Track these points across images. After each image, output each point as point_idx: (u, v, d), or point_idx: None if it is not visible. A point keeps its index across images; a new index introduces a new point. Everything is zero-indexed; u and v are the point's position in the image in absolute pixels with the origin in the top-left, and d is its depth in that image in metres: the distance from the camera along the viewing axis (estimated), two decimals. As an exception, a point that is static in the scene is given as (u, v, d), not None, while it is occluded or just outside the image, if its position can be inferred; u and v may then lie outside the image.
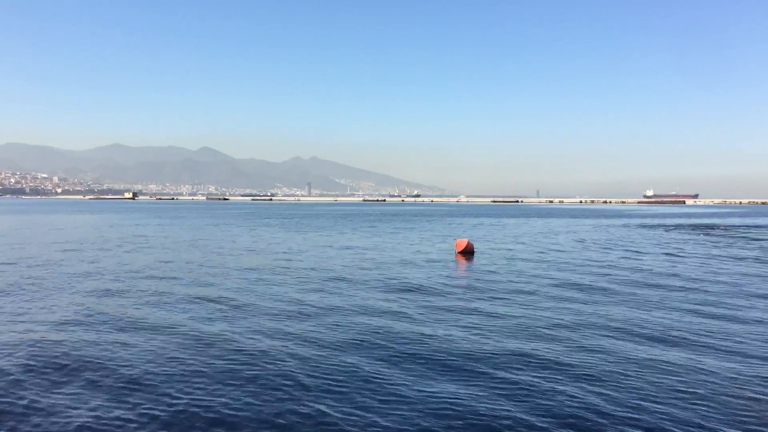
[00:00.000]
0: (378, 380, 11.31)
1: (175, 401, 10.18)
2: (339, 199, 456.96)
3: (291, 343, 13.94)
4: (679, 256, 35.39)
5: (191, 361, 12.42)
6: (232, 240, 45.59)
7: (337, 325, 16.03)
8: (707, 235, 55.76)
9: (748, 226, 72.51)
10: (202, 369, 11.92)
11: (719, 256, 35.62)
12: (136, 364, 12.18)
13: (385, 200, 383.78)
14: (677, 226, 71.19)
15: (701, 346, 14.02)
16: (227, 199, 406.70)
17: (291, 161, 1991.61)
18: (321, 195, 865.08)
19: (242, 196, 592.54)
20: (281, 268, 28.16)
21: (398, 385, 11.05)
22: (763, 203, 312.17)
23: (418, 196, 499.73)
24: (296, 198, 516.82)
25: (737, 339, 14.71)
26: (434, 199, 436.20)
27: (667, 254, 36.30)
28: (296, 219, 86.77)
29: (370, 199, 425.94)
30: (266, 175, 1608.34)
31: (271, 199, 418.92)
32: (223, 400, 10.24)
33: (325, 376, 11.48)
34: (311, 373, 11.63)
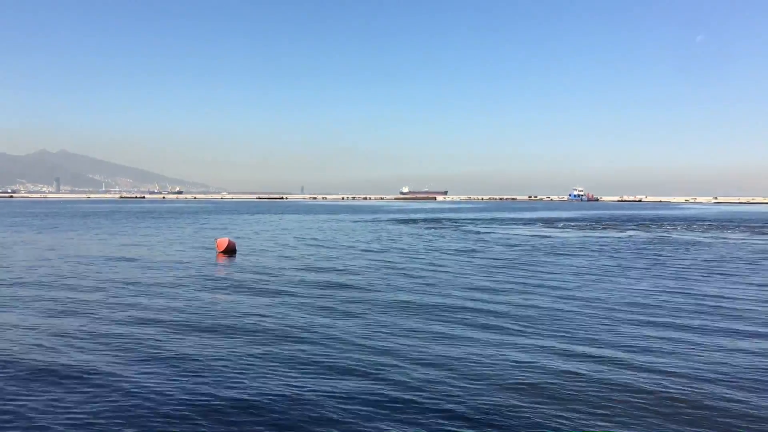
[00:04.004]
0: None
1: None
2: (92, 196, 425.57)
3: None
4: (371, 248, 41.02)
5: None
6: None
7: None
8: (430, 228, 63.96)
9: (471, 220, 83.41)
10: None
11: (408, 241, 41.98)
12: None
13: (144, 197, 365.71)
14: (408, 221, 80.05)
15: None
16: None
17: (36, 155, 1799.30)
18: (72, 192, 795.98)
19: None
20: None
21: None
22: (500, 199, 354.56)
23: (180, 192, 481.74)
24: (42, 195, 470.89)
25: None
26: (197, 196, 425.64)
27: (361, 249, 41.81)
28: (30, 218, 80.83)
29: (128, 196, 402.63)
30: (6, 170, 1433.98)
31: (12, 197, 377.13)
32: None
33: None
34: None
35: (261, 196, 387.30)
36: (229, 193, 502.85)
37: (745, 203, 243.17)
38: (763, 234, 56.61)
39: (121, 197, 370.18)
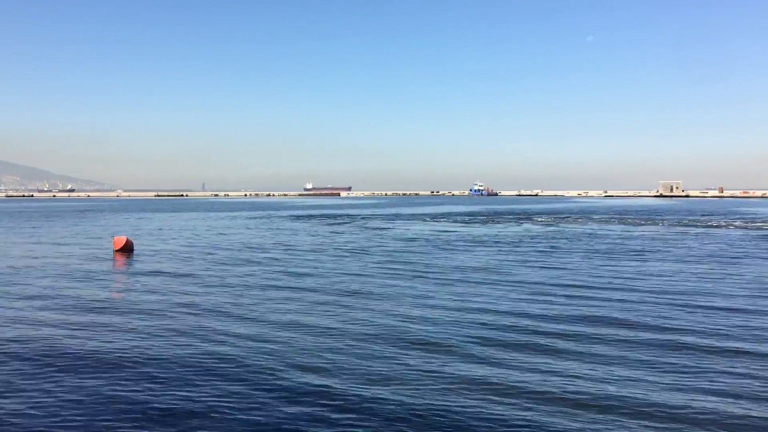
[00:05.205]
0: None
1: None
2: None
3: None
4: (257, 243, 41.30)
5: None
6: None
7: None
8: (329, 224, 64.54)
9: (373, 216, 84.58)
10: None
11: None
12: None
13: (33, 196, 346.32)
14: (308, 217, 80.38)
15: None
16: None
17: None
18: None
19: None
20: None
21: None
22: (404, 194, 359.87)
23: (72, 190, 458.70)
24: None
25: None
26: (91, 194, 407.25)
27: (244, 243, 41.99)
28: None
29: (15, 194, 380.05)
30: None
31: None
32: None
33: None
34: None
35: (160, 193, 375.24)
36: (125, 191, 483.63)
37: (632, 196, 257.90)
38: (639, 225, 60.63)
39: (7, 196, 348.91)
